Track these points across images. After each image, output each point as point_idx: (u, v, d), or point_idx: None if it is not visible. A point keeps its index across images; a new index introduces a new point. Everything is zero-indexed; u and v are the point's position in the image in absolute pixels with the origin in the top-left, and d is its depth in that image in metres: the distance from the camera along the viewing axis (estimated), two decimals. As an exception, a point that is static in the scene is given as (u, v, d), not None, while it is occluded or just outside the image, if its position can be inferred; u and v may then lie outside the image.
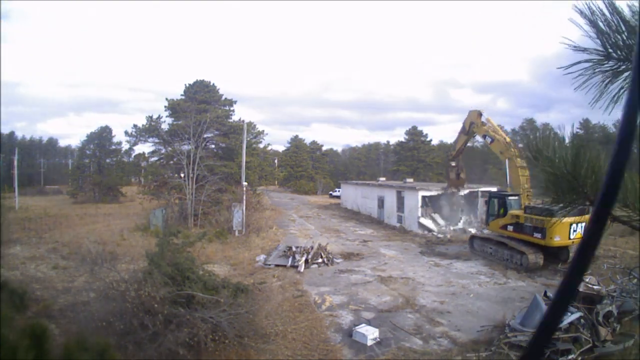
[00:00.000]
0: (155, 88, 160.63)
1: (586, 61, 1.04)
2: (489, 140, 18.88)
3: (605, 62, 1.03)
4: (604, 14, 0.98)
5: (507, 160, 17.77)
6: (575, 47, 1.04)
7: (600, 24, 0.99)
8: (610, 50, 1.01)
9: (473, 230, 20.94)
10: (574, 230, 13.99)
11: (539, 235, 14.35)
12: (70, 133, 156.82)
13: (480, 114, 19.35)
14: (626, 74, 1.01)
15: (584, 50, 1.04)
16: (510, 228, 15.73)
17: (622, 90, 1.01)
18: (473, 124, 19.66)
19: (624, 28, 0.98)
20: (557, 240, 14.01)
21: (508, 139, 18.62)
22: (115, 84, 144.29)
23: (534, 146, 1.17)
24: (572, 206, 1.17)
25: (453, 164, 22.18)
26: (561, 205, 1.18)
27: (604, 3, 0.98)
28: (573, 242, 14.25)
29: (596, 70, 1.04)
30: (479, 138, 23.07)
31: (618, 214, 1.10)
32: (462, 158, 22.69)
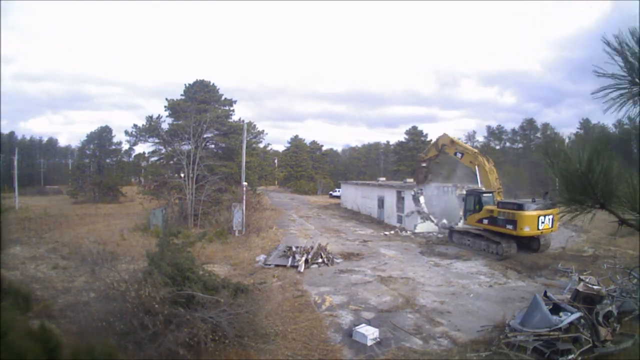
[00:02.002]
0: (125, 81, 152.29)
1: (613, 86, 1.19)
2: (459, 155, 21.80)
3: (632, 87, 1.16)
4: (630, 46, 1.11)
5: (477, 167, 20.43)
6: (603, 74, 1.19)
7: (628, 55, 1.12)
8: (637, 78, 1.15)
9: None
10: (542, 222, 16.04)
11: (510, 227, 16.36)
12: (54, 131, 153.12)
13: (452, 140, 22.68)
14: None
15: (612, 76, 1.18)
16: (485, 221, 17.78)
17: None
18: (445, 145, 22.72)
19: None
20: (527, 230, 16.00)
21: (475, 150, 22.00)
22: (79, 75, 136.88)
23: (551, 145, 1.27)
24: (583, 208, 1.24)
25: (424, 164, 24.92)
26: (572, 206, 1.26)
27: (631, 36, 1.12)
28: (542, 232, 16.34)
29: (623, 94, 1.18)
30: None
31: (627, 217, 1.16)
32: (431, 164, 25.63)
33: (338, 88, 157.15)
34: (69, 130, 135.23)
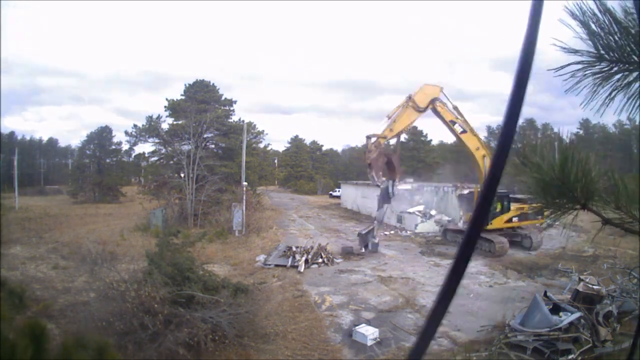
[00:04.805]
0: (74, 70, 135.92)
1: (577, 63, 1.03)
2: (459, 129, 16.46)
3: (597, 63, 1.02)
4: (595, 15, 0.97)
5: (484, 159, 16.51)
6: (566, 49, 1.02)
7: (592, 25, 0.98)
8: (602, 51, 1.00)
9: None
10: None
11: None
12: (31, 129, 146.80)
13: (441, 90, 16.57)
14: (618, 75, 1.01)
15: (576, 52, 1.03)
16: (515, 219, 17.71)
17: (614, 92, 1.02)
18: (436, 100, 16.25)
19: (616, 29, 0.97)
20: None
21: (479, 135, 17.60)
22: (26, 65, 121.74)
23: (522, 153, 1.17)
24: (562, 210, 1.17)
25: (392, 147, 18.08)
26: (551, 210, 1.18)
27: (595, 3, 0.96)
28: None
29: (587, 72, 1.03)
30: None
31: (610, 217, 1.10)
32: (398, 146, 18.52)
33: (322, 75, 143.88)
34: (44, 127, 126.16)
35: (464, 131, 16.59)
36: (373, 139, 15.85)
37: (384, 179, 16.92)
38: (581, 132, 55.04)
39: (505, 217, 17.86)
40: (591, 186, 1.09)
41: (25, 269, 14.95)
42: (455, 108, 16.73)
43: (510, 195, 17.12)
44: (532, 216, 16.94)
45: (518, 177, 1.17)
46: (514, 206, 17.44)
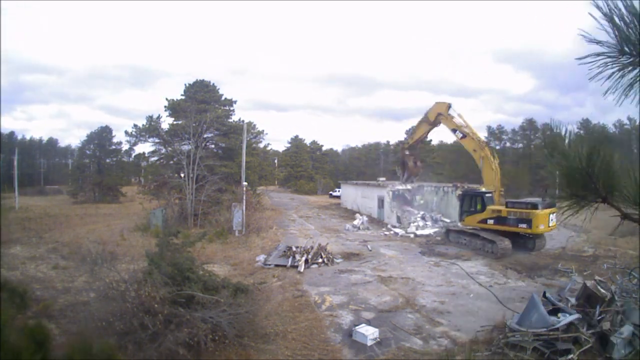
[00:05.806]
0: (57, 65, 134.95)
1: (601, 54, 1.09)
2: (459, 135, 19.27)
3: (620, 56, 1.08)
4: (620, 10, 1.03)
5: (481, 160, 18.73)
6: (590, 39, 1.08)
7: (616, 19, 1.04)
8: (625, 45, 1.06)
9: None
10: (551, 220, 16.40)
11: (524, 225, 16.48)
12: (25, 128, 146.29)
13: (449, 106, 19.86)
14: (638, 68, 1.07)
15: (599, 43, 1.08)
16: (491, 221, 17.62)
17: (633, 84, 1.07)
18: (441, 115, 19.93)
19: (637, 23, 1.03)
20: (542, 228, 16.26)
21: (481, 138, 19.61)
22: (7, 61, 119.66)
23: (550, 141, 1.21)
24: (584, 202, 1.21)
25: (407, 152, 23.00)
26: (572, 200, 1.22)
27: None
28: (551, 229, 16.67)
29: (609, 63, 1.09)
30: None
31: (629, 212, 1.13)
32: (418, 150, 23.68)
33: (318, 70, 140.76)
34: (36, 126, 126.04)
35: (464, 136, 19.09)
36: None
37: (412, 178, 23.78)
38: (581, 132, 55.03)
39: (479, 216, 18.09)
40: (613, 180, 1.13)
41: (25, 269, 14.95)
42: (460, 116, 19.64)
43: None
44: (514, 222, 16.72)
45: (545, 168, 1.21)
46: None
